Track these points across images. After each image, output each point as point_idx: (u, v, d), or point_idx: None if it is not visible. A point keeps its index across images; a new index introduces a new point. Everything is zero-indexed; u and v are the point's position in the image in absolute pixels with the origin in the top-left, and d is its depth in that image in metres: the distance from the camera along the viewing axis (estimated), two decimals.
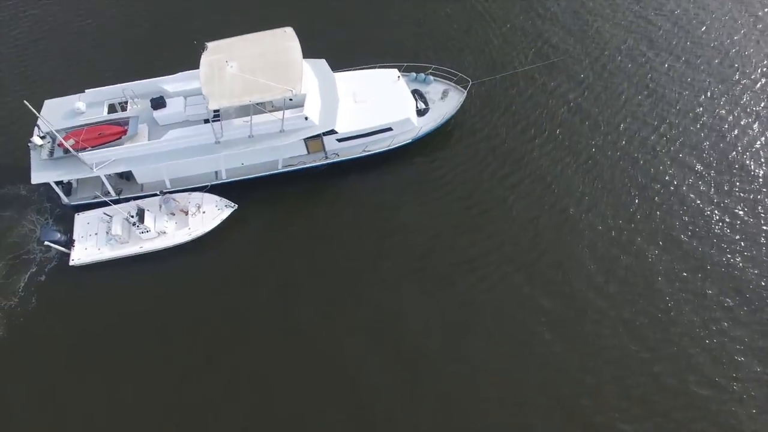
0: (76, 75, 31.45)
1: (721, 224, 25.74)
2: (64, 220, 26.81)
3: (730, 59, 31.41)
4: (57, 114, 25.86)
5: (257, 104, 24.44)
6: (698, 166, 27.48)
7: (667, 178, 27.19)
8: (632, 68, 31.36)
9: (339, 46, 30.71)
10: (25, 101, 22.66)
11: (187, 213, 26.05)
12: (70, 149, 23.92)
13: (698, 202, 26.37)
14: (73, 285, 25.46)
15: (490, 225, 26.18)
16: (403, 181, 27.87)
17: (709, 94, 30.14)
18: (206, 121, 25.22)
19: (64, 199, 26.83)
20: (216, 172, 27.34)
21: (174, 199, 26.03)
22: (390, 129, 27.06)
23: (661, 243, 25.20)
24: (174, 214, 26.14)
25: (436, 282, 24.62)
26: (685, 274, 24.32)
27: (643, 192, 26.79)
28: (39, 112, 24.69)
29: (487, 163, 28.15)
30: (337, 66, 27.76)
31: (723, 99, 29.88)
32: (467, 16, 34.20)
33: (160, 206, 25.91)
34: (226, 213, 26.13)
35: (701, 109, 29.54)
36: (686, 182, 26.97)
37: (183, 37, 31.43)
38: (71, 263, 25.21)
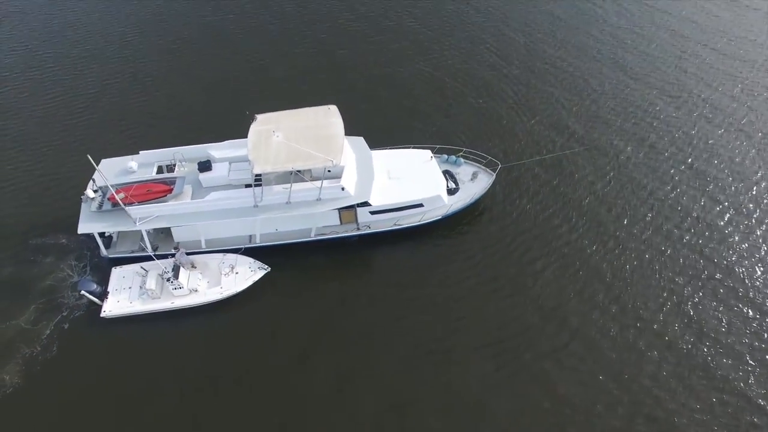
0: (133, 138, 34.06)
1: (754, 316, 25.24)
2: (100, 271, 27.71)
3: (750, 159, 32.46)
4: (111, 172, 27.66)
5: (297, 173, 25.95)
6: (725, 261, 27.46)
7: (691, 272, 27.10)
8: (656, 162, 32.53)
9: (377, 127, 32.98)
10: (88, 155, 24.46)
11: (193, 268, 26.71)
12: (120, 202, 25.25)
13: (729, 297, 26.03)
14: (96, 336, 25.66)
15: (515, 309, 25.96)
16: (431, 258, 28.23)
17: (732, 189, 30.87)
18: (247, 185, 26.68)
19: (103, 252, 27.85)
20: (250, 236, 28.30)
21: (186, 255, 26.76)
22: (421, 205, 28.06)
23: (689, 337, 24.63)
24: (185, 270, 26.47)
25: (453, 365, 24.02)
26: (721, 372, 23.46)
27: (669, 284, 26.62)
28: (91, 185, 26.94)
29: (515, 246, 28.46)
30: (374, 144, 29.52)
31: (744, 196, 30.53)
32: (498, 106, 36.65)
33: (176, 261, 26.37)
34: (259, 275, 26.69)
35: (726, 203, 30.08)
36: (715, 276, 26.84)
37: (232, 109, 35.02)
38: (102, 314, 25.60)
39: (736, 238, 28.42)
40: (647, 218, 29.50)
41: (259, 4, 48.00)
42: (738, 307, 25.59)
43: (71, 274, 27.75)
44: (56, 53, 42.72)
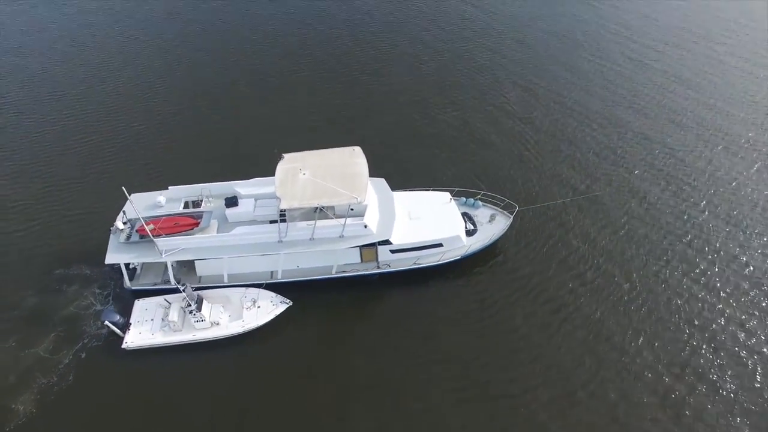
0: (162, 174, 35.22)
1: None
2: (122, 302, 28.01)
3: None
4: (140, 205, 28.43)
5: (322, 210, 26.72)
6: (745, 315, 27.46)
7: (704, 320, 27.20)
8: (672, 204, 33.41)
9: (398, 170, 34.27)
10: (122, 187, 25.45)
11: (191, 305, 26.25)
12: (149, 233, 25.92)
13: (752, 342, 25.96)
14: (115, 367, 25.70)
15: (532, 350, 25.98)
16: (449, 300, 28.45)
17: (747, 233, 31.56)
18: (272, 221, 27.39)
19: (127, 283, 28.26)
20: (272, 272, 28.70)
21: (192, 289, 26.62)
22: (440, 245, 28.59)
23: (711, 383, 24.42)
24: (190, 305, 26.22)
25: (469, 412, 23.79)
26: (739, 419, 23.12)
27: (692, 330, 26.65)
28: (125, 204, 27.71)
29: (530, 289, 28.79)
30: (394, 187, 30.44)
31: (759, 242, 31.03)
32: (516, 151, 38.25)
33: (184, 297, 26.22)
34: (281, 309, 26.91)
35: (739, 249, 30.50)
36: (733, 326, 26.85)
37: (258, 148, 37.05)
38: (124, 346, 25.72)
39: (751, 283, 28.69)
40: (662, 261, 29.91)
41: (285, 49, 51.14)
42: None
43: (94, 303, 28.14)
44: (88, 98, 44.87)
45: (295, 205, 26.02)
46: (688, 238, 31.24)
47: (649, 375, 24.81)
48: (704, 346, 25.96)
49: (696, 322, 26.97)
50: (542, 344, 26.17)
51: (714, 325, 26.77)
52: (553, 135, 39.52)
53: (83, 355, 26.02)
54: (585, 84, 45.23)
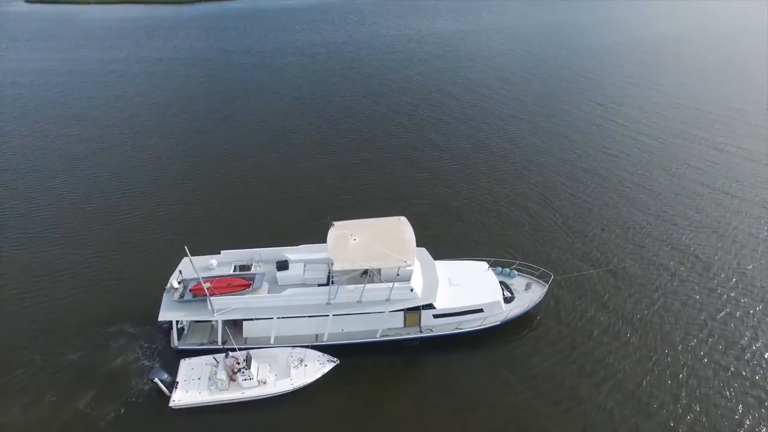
0: (213, 240, 37.14)
1: None
2: (166, 362, 28.36)
3: None
4: (192, 268, 29.93)
5: (370, 274, 28.07)
6: None
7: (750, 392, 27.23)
8: (705, 281, 34.40)
9: (436, 241, 35.84)
10: (185, 247, 26.96)
11: (234, 373, 26.69)
12: (206, 290, 27.07)
13: None
14: (157, 425, 25.64)
15: (576, 422, 25.81)
16: (490, 369, 28.53)
17: None
18: (321, 285, 28.64)
19: (174, 342, 28.87)
20: (317, 335, 29.35)
21: (234, 357, 26.95)
22: (481, 310, 29.49)
23: None
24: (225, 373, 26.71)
25: None
26: None
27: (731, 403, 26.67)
28: (179, 267, 29.37)
29: (572, 360, 28.91)
30: (434, 257, 31.69)
31: None
32: (548, 222, 40.50)
33: (220, 362, 27.13)
34: (328, 367, 27.27)
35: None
36: None
37: (306, 216, 40.50)
38: (171, 404, 25.83)
39: None
40: (700, 335, 30.36)
41: (332, 122, 57.31)
42: None
43: (140, 359, 28.69)
44: (137, 167, 48.38)
45: (347, 266, 27.40)
46: (721, 315, 31.85)
47: None
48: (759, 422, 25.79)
49: (749, 400, 26.78)
50: (586, 417, 25.98)
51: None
52: (587, 208, 42.38)
53: (124, 411, 26.11)
54: (623, 161, 49.02)
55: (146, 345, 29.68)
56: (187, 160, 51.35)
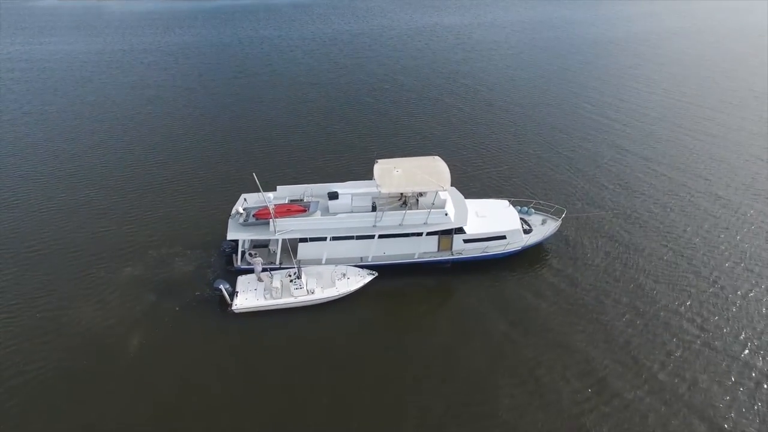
0: (273, 177, 42.33)
1: None
2: (229, 279, 32.27)
3: None
4: (252, 201, 34.55)
5: (410, 200, 32.59)
6: None
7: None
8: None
9: (464, 184, 40.52)
10: (253, 174, 31.53)
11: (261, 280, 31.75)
12: (272, 213, 31.54)
13: None
14: (218, 327, 29.89)
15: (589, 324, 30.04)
16: (510, 291, 32.47)
17: None
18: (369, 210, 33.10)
19: (237, 263, 33.17)
20: (362, 258, 33.70)
21: (260, 264, 32.05)
22: (504, 237, 33.96)
23: None
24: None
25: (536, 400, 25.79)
26: None
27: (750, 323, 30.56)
28: (240, 204, 34.28)
29: (578, 280, 33.02)
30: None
31: None
32: (563, 168, 45.49)
33: (275, 274, 31.83)
34: (368, 279, 31.72)
35: None
36: None
37: (352, 156, 47.54)
38: (233, 308, 30.21)
39: None
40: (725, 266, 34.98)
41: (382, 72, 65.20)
42: None
43: (206, 275, 33.21)
44: (204, 118, 53.05)
45: (393, 190, 31.90)
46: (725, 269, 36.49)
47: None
48: None
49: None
50: (596, 322, 30.18)
51: None
52: (594, 163, 46.89)
53: (191, 313, 30.38)
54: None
55: (214, 268, 33.92)
56: (245, 116, 59.51)
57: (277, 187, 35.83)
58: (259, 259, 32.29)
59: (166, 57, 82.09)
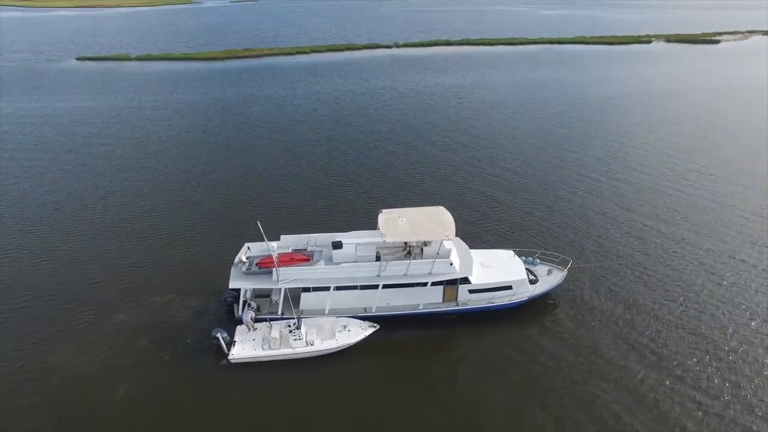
0: (275, 228, 41.63)
1: None
2: (228, 328, 31.55)
3: None
4: (255, 250, 34.51)
5: (414, 250, 32.39)
6: None
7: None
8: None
9: (467, 234, 40.16)
10: (257, 221, 31.63)
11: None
12: (276, 262, 31.27)
13: None
14: (213, 377, 29.11)
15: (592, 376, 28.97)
16: (518, 342, 31.67)
17: None
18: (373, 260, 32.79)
19: (238, 312, 32.50)
20: (365, 308, 33.05)
21: (253, 310, 32.05)
22: (510, 287, 33.47)
23: None
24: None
25: None
26: None
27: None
28: (244, 252, 34.16)
29: (588, 332, 32.44)
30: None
31: None
32: (568, 218, 45.14)
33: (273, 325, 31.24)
34: (369, 331, 30.95)
35: None
36: None
37: (355, 207, 47.98)
38: (229, 358, 29.52)
39: None
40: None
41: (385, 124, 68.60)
42: None
43: (205, 325, 32.61)
44: (211, 178, 53.68)
45: (398, 239, 31.79)
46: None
47: None
48: None
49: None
50: (600, 371, 29.32)
51: None
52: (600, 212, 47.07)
53: (187, 362, 29.84)
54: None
55: (211, 317, 33.32)
56: (249, 168, 61.10)
57: (281, 236, 35.76)
58: (254, 305, 32.19)
59: (172, 113, 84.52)
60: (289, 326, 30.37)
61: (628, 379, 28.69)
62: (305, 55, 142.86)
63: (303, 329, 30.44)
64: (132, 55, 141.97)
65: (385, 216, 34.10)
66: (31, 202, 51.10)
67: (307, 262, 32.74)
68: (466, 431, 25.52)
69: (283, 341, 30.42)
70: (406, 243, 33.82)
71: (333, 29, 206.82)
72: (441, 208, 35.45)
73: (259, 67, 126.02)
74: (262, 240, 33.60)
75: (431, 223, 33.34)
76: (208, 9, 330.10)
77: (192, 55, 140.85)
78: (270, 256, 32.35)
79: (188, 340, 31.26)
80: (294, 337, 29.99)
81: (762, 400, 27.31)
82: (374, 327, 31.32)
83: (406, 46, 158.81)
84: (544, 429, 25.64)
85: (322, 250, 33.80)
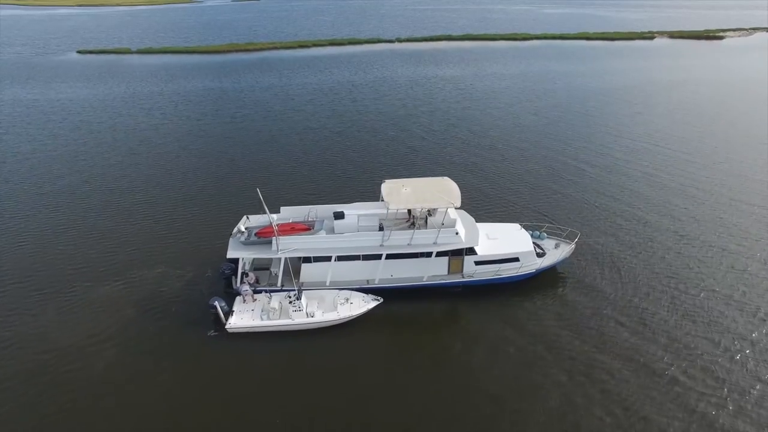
0: (276, 198, 41.71)
1: None
2: (227, 300, 30.72)
3: None
4: (255, 222, 33.58)
5: (419, 221, 31.35)
6: None
7: None
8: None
9: (473, 207, 39.39)
10: (257, 189, 30.66)
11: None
12: (276, 229, 30.30)
13: None
14: (211, 346, 28.16)
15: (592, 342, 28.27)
16: (521, 315, 30.63)
17: None
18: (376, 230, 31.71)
19: (236, 284, 31.48)
20: (368, 280, 31.98)
21: (249, 284, 31.16)
22: (517, 259, 32.40)
23: None
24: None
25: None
26: None
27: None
28: (242, 223, 33.19)
29: (596, 306, 31.37)
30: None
31: None
32: (576, 193, 44.24)
33: (273, 295, 30.43)
34: (372, 305, 29.86)
35: None
36: None
37: (359, 178, 47.76)
38: (227, 327, 28.59)
39: None
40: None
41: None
42: None
43: (203, 294, 31.72)
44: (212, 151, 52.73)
45: (402, 207, 30.72)
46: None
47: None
48: None
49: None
50: (603, 338, 28.38)
51: None
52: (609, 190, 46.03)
53: (185, 331, 29.01)
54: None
55: (206, 289, 32.35)
56: (247, 144, 61.55)
57: (281, 208, 34.77)
58: (252, 276, 31.42)
59: (179, 98, 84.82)
60: (289, 297, 29.39)
61: (637, 357, 27.47)
62: (305, 49, 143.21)
63: (303, 300, 29.42)
64: (133, 49, 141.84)
65: (388, 185, 33.09)
66: (21, 182, 50.75)
67: (308, 232, 31.72)
68: (469, 407, 24.43)
69: (282, 312, 29.44)
70: (410, 213, 32.81)
71: (335, 25, 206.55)
72: (446, 178, 34.41)
73: (256, 60, 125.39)
74: (262, 208, 32.69)
75: (437, 189, 32.33)
76: (210, 7, 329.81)
77: (197, 48, 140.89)
78: (270, 226, 31.36)
79: (177, 310, 30.51)
80: (294, 308, 28.99)
81: None
82: (378, 300, 30.27)
83: (408, 41, 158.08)
84: (548, 403, 24.60)
85: (323, 220, 32.79)
